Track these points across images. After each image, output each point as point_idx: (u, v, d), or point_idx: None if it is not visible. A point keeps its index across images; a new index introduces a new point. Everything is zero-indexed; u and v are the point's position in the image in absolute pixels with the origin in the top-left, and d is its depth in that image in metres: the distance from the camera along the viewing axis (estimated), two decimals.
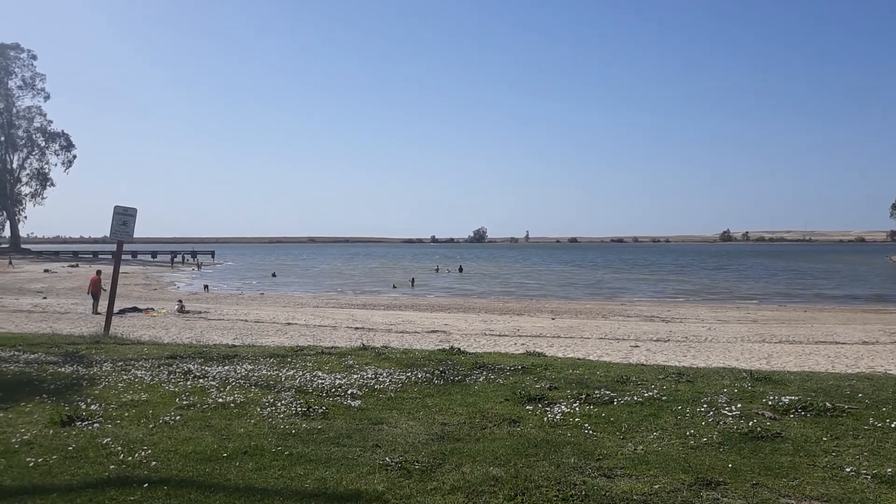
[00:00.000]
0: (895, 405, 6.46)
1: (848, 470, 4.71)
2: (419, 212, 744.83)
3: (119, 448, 5.05)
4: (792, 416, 6.17)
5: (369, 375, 8.10)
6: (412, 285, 49.42)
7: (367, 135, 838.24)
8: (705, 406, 6.49)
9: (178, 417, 5.99)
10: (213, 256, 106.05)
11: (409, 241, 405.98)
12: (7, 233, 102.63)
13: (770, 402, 6.60)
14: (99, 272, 26.23)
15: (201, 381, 7.71)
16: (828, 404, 6.39)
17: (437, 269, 73.60)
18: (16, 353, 9.70)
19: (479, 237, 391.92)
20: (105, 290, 21.04)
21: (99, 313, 22.24)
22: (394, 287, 48.22)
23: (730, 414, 6.20)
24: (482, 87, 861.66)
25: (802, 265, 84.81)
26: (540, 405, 6.62)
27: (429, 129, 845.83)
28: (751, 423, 5.82)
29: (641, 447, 5.28)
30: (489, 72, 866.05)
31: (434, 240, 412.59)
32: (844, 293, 42.12)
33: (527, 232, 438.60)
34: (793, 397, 6.70)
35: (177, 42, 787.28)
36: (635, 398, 6.87)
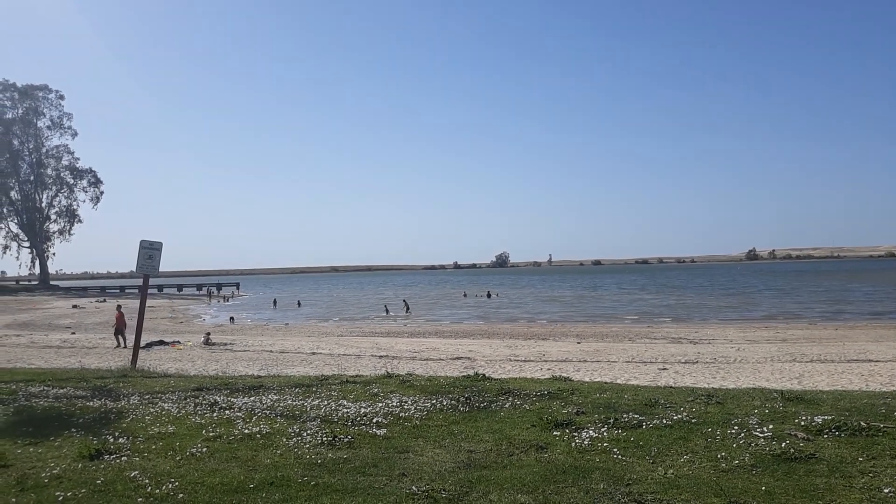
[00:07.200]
0: None
1: (886, 491, 4.57)
2: (441, 238, 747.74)
3: (147, 481, 5.07)
4: (826, 436, 6.02)
5: (394, 403, 8.07)
6: (407, 310, 50.11)
7: (387, 162, 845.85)
8: (736, 428, 6.37)
9: (204, 449, 6.00)
10: (237, 288, 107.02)
11: (432, 267, 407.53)
12: (37, 269, 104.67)
13: (803, 423, 6.45)
14: (119, 307, 26.52)
15: (227, 412, 7.74)
16: (862, 423, 6.23)
17: (465, 295, 73.96)
18: (45, 388, 9.82)
19: (501, 262, 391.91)
20: (130, 325, 21.32)
21: (126, 347, 22.39)
22: (407, 311, 48.94)
23: (761, 435, 6.07)
24: (502, 113, 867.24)
25: (832, 283, 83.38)
26: (567, 430, 6.54)
27: (449, 156, 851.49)
28: (783, 445, 5.68)
29: (672, 471, 5.18)
30: (509, 97, 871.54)
31: (456, 266, 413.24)
32: (876, 310, 41.27)
33: (549, 255, 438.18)
34: (826, 417, 6.55)
35: (197, 77, 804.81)
36: (664, 421, 6.75)
